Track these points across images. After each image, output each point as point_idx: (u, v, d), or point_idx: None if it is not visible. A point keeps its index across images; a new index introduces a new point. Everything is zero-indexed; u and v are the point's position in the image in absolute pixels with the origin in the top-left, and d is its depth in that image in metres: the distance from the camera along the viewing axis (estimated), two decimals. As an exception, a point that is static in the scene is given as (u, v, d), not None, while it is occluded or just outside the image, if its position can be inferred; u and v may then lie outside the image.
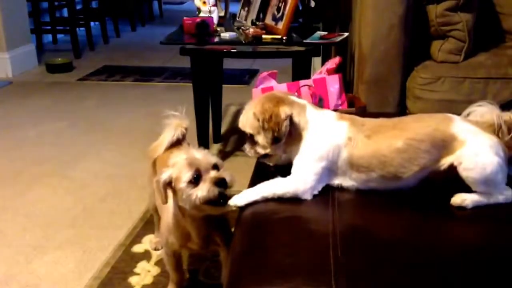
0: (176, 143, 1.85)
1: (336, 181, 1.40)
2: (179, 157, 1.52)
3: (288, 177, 1.38)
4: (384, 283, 1.07)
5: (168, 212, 1.64)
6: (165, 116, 1.87)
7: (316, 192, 1.37)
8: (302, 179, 1.36)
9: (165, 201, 1.52)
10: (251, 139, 1.46)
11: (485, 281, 1.08)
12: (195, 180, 1.46)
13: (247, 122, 1.44)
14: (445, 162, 1.33)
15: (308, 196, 1.36)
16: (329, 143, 1.37)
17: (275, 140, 1.38)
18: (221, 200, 1.45)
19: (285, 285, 1.05)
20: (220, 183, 1.46)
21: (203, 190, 1.45)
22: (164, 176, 1.50)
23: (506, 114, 1.37)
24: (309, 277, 1.09)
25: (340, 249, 1.15)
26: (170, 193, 1.54)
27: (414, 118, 1.42)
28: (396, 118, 1.43)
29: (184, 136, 1.89)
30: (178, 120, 1.87)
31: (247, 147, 1.48)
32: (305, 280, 1.08)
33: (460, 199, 1.27)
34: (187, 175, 1.46)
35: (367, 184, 1.37)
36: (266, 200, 1.36)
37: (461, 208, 1.27)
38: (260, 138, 1.42)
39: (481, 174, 1.29)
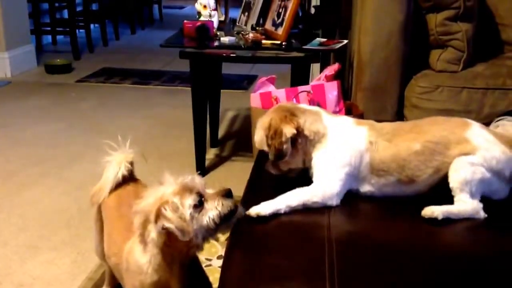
0: (125, 182, 1.65)
1: (355, 187, 1.38)
2: (162, 190, 1.29)
3: (312, 185, 1.35)
4: (378, 288, 1.07)
5: (137, 268, 1.35)
6: (106, 151, 1.67)
7: (341, 198, 1.35)
8: (328, 186, 1.34)
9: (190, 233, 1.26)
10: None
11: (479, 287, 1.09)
12: (199, 203, 1.27)
13: (259, 140, 1.41)
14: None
15: (334, 202, 1.33)
16: (352, 148, 1.36)
17: (277, 157, 1.36)
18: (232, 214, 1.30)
19: (280, 289, 1.05)
20: (228, 194, 1.31)
21: (216, 207, 1.28)
22: (169, 214, 1.24)
23: None
24: (304, 282, 1.09)
25: (335, 254, 1.15)
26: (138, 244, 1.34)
27: (430, 121, 1.41)
28: (411, 122, 1.44)
29: (131, 173, 1.71)
30: (121, 155, 1.68)
31: (269, 166, 1.44)
32: (300, 285, 1.08)
33: (430, 211, 1.27)
34: (189, 200, 1.26)
35: (383, 188, 1.36)
36: (290, 209, 1.31)
37: (431, 220, 1.26)
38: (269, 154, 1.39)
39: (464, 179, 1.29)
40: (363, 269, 1.12)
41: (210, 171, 2.93)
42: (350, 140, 1.37)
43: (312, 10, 3.30)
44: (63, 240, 2.27)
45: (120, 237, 1.49)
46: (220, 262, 1.70)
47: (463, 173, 1.29)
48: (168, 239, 1.27)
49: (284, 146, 1.35)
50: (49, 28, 5.90)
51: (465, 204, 1.28)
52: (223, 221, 1.28)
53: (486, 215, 1.28)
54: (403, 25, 2.29)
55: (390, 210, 1.36)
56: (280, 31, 2.64)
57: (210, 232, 1.28)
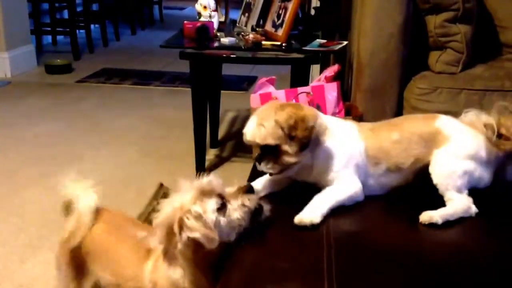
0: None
1: (361, 179, 1.39)
2: (179, 198, 1.23)
3: (336, 185, 1.35)
4: (377, 289, 1.08)
5: (171, 285, 1.28)
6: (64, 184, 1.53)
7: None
8: (351, 183, 1.35)
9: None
10: (272, 152, 1.32)
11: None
12: (222, 206, 1.23)
13: (267, 133, 1.30)
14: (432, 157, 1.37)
15: (362, 197, 1.36)
16: (350, 139, 1.39)
17: (302, 147, 1.31)
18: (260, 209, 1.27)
19: (279, 289, 1.06)
20: (249, 190, 1.28)
21: (242, 205, 1.24)
22: (192, 223, 1.18)
23: (490, 117, 1.41)
24: (303, 282, 1.09)
25: (334, 255, 1.15)
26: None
27: (404, 117, 1.52)
28: (386, 120, 1.50)
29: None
30: (81, 183, 1.53)
31: (267, 163, 1.33)
32: (299, 285, 1.08)
33: (428, 217, 1.27)
34: (210, 204, 1.21)
35: (379, 179, 1.39)
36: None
37: (432, 225, 1.27)
38: (288, 148, 1.30)
39: (449, 177, 1.32)
40: (362, 270, 1.13)
41: (210, 172, 2.93)
42: (346, 133, 1.40)
43: (312, 12, 3.30)
44: (63, 240, 2.27)
45: (132, 260, 1.41)
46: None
47: (443, 168, 1.33)
48: (196, 248, 1.21)
49: (314, 130, 1.31)
50: (49, 28, 5.92)
51: (455, 202, 1.31)
52: (254, 216, 1.24)
53: (477, 210, 1.31)
54: (402, 27, 2.29)
55: (388, 211, 1.37)
56: (280, 32, 2.65)
57: (243, 228, 1.24)
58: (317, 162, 1.36)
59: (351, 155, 1.37)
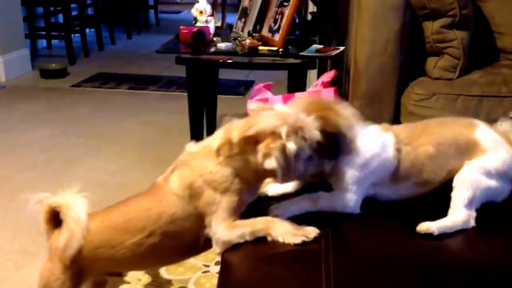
0: None
1: (372, 192, 1.37)
2: (288, 112, 1.27)
3: (339, 192, 1.33)
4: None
5: (220, 177, 1.28)
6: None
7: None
8: (355, 197, 1.33)
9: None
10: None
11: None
12: (310, 156, 1.25)
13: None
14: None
15: (358, 210, 1.34)
16: (377, 158, 1.33)
17: (331, 157, 1.30)
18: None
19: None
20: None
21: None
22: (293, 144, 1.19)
23: None
24: (301, 289, 1.08)
25: (332, 262, 1.15)
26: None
27: (443, 122, 1.42)
28: (421, 123, 1.43)
29: None
30: (67, 194, 1.45)
31: None
32: (298, 293, 1.08)
33: (426, 227, 1.26)
34: (304, 145, 1.21)
35: (398, 191, 1.36)
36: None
37: (427, 236, 1.25)
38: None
39: (468, 191, 1.29)
40: (360, 278, 1.12)
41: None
42: (378, 147, 1.34)
43: (309, 17, 3.30)
44: (58, 246, 2.26)
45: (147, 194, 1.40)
46: (218, 268, 1.70)
47: (468, 178, 1.30)
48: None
49: (341, 143, 1.29)
50: (44, 32, 5.89)
51: (456, 214, 1.28)
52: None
53: (475, 225, 1.28)
54: (399, 33, 2.29)
55: (387, 218, 1.35)
56: (277, 37, 2.65)
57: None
58: (338, 169, 1.33)
59: (373, 171, 1.33)
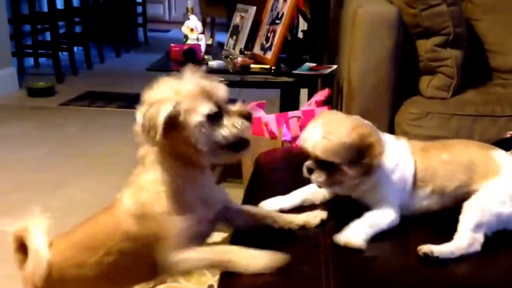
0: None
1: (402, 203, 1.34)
2: (178, 84, 1.18)
3: (381, 208, 1.31)
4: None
5: (152, 186, 1.26)
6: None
7: None
8: (394, 207, 1.31)
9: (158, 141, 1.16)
10: (328, 166, 1.26)
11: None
12: (215, 116, 1.15)
13: (333, 151, 1.23)
14: (476, 188, 1.31)
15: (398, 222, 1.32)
16: (402, 163, 1.32)
17: (365, 173, 1.27)
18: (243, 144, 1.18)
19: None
20: (248, 117, 1.18)
21: (234, 125, 1.15)
22: (167, 107, 1.13)
23: None
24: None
25: (332, 272, 1.14)
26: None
27: (460, 140, 1.44)
28: (442, 140, 1.44)
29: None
30: (33, 219, 1.42)
31: (319, 175, 1.28)
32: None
33: (429, 249, 1.23)
34: (206, 106, 1.13)
35: (421, 203, 1.34)
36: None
37: (431, 261, 1.22)
38: (350, 171, 1.25)
39: (476, 214, 1.26)
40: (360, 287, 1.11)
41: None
42: (399, 153, 1.33)
43: (300, 35, 3.29)
44: (45, 270, 2.20)
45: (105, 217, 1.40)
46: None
47: (478, 200, 1.28)
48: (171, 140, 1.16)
49: (378, 161, 1.26)
50: (31, 50, 5.83)
51: (461, 239, 1.24)
52: (233, 147, 1.16)
53: (479, 249, 1.24)
54: (393, 52, 2.28)
55: (389, 235, 1.32)
56: (269, 55, 2.63)
57: (216, 151, 1.16)
58: (368, 180, 1.30)
59: (402, 178, 1.32)
